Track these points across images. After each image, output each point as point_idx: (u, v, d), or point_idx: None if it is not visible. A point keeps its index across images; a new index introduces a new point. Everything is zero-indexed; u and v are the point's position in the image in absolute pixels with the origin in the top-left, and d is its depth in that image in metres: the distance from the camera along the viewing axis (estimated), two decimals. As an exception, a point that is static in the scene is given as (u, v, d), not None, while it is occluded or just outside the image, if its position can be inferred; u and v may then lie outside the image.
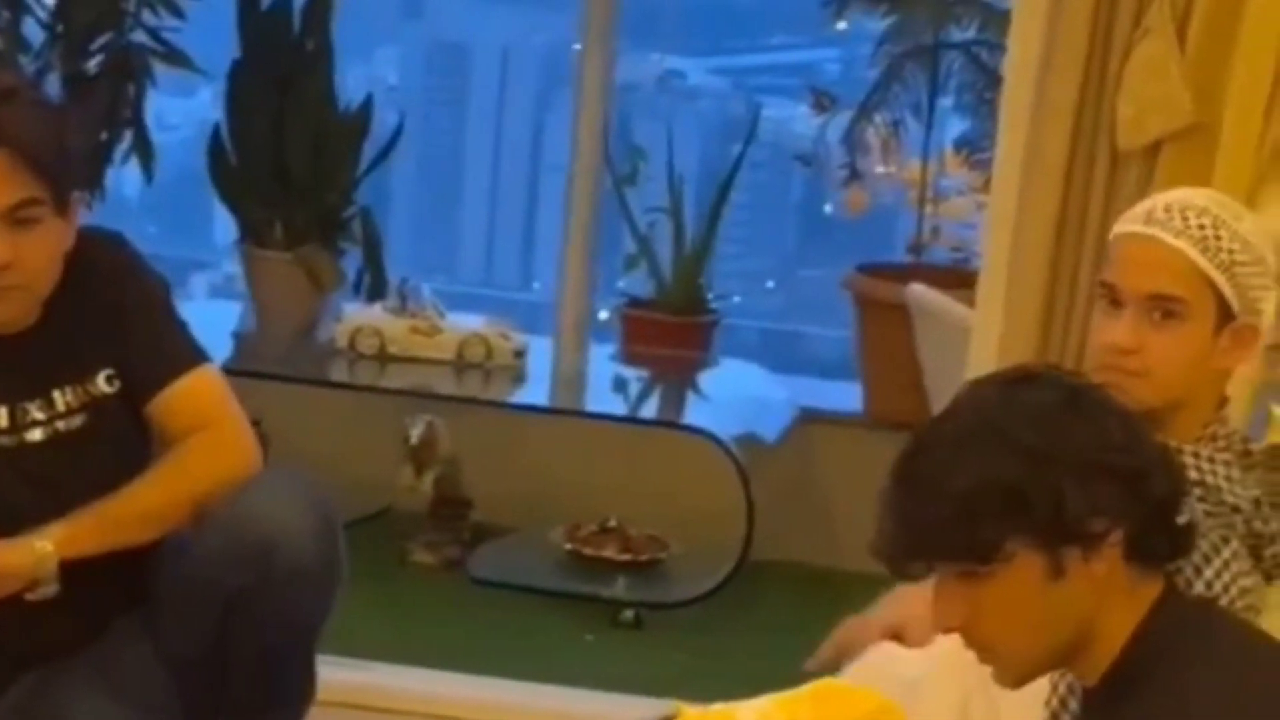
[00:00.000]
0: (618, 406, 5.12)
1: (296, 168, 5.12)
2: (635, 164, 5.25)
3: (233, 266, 5.41)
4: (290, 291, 5.14)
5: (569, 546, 4.71)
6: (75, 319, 2.92)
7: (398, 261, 5.63)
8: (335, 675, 3.26)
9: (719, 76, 7.19)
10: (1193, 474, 2.60)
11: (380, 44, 7.18)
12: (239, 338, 5.17)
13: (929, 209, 5.21)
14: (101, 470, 2.88)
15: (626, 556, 4.69)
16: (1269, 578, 2.68)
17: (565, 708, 3.92)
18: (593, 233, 5.30)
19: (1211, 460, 2.65)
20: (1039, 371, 2.26)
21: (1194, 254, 2.63)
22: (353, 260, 5.20)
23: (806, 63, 6.60)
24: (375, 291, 5.13)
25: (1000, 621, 2.15)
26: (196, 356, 2.99)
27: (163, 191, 5.55)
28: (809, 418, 5.00)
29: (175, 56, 4.96)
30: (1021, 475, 2.08)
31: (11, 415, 2.90)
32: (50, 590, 2.81)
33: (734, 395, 5.14)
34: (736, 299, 5.78)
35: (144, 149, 4.94)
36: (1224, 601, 2.54)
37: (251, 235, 5.22)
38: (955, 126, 5.29)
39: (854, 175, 5.25)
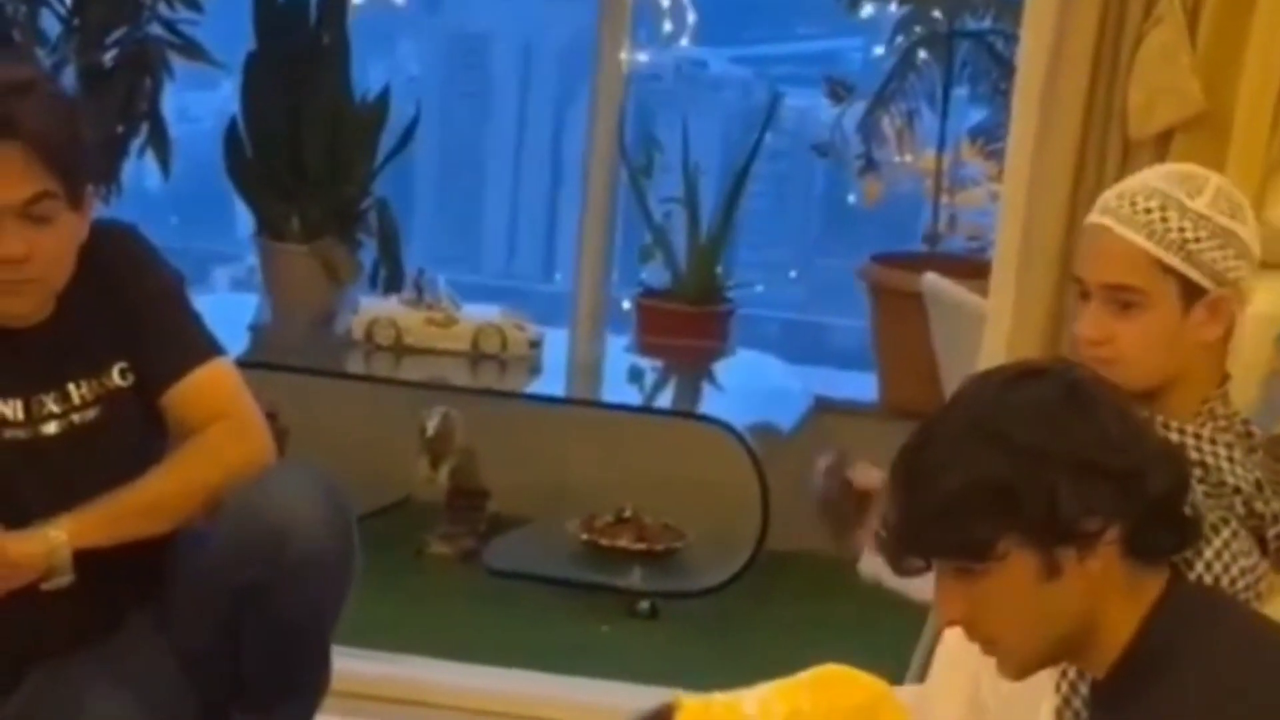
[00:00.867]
0: (633, 397, 5.13)
1: (312, 161, 5.14)
2: (651, 154, 5.26)
3: (254, 259, 5.43)
4: (307, 284, 5.17)
5: (585, 537, 4.72)
6: (89, 312, 2.93)
7: (420, 254, 5.65)
8: (352, 666, 3.27)
9: (741, 66, 7.19)
10: (1193, 454, 2.61)
11: (402, 36, 7.19)
12: (256, 330, 5.19)
13: (945, 198, 5.22)
14: (115, 463, 2.88)
15: (642, 546, 4.71)
16: (1278, 564, 2.68)
17: (581, 698, 3.94)
18: (609, 224, 5.32)
19: (1213, 441, 2.66)
20: (1041, 366, 2.24)
21: (1141, 241, 2.63)
22: (370, 252, 5.22)
23: (830, 51, 6.60)
24: (392, 283, 5.15)
25: (998, 617, 2.15)
26: (211, 349, 3.00)
27: (185, 184, 5.56)
28: (825, 408, 5.01)
29: (191, 49, 4.97)
30: (1013, 475, 2.08)
31: (27, 408, 2.91)
32: (65, 580, 2.81)
33: (750, 385, 5.14)
34: (759, 288, 5.78)
35: (160, 143, 4.95)
36: (1224, 582, 2.54)
37: (268, 228, 5.24)
38: (971, 116, 5.29)
39: (870, 165, 5.25)
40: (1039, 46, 3.57)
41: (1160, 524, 2.14)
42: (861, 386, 5.11)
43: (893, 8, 5.22)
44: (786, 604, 4.57)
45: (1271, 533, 2.65)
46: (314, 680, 3.04)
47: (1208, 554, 2.55)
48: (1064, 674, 2.50)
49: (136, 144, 4.95)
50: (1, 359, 2.89)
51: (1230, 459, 2.65)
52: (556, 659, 4.15)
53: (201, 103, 6.18)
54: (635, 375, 5.25)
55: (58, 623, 2.89)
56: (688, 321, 5.20)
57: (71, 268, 2.90)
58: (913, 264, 4.88)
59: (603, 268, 5.34)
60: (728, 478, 4.58)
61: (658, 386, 5.35)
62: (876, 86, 5.19)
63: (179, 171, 5.13)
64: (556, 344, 5.10)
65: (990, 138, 5.07)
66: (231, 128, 5.20)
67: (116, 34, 4.91)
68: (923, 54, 5.13)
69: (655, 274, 5.30)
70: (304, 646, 2.97)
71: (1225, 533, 2.58)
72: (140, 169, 5.14)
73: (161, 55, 4.93)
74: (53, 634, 2.91)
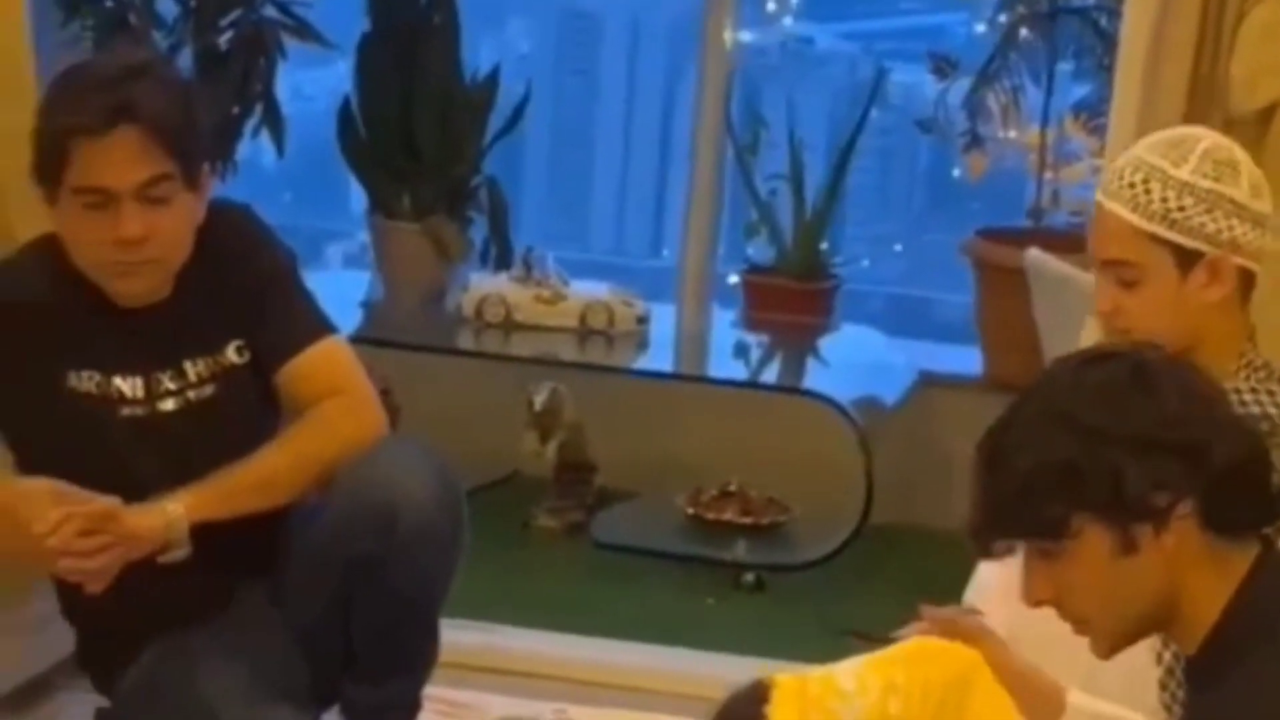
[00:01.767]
0: (739, 372, 5.14)
1: (424, 139, 5.19)
2: (757, 131, 5.29)
3: (366, 236, 5.49)
4: (418, 261, 5.22)
5: (691, 510, 4.75)
6: (206, 291, 2.97)
7: (530, 231, 5.69)
8: (460, 638, 3.32)
9: (846, 42, 7.19)
10: (1254, 409, 2.60)
11: (511, 14, 7.23)
12: (368, 307, 5.24)
13: (1049, 174, 5.22)
14: (230, 440, 2.92)
15: (748, 520, 4.73)
16: None
17: (687, 670, 3.94)
18: (715, 201, 5.35)
19: (1255, 391, 2.64)
20: (1114, 349, 2.28)
21: (1127, 214, 2.64)
22: (480, 230, 5.27)
23: (933, 27, 6.59)
24: (501, 261, 5.18)
25: (1081, 596, 2.18)
26: (324, 327, 3.04)
27: (298, 162, 5.62)
28: (928, 382, 5.03)
29: (304, 30, 5.02)
30: (1079, 454, 2.11)
31: (146, 385, 2.96)
32: (182, 553, 2.85)
33: (854, 360, 5.16)
34: (865, 263, 5.80)
35: (274, 122, 5.01)
36: None
37: (381, 206, 5.30)
38: (1075, 92, 5.29)
39: (975, 141, 5.26)
40: (1142, 22, 3.57)
41: (1236, 496, 2.15)
42: (965, 361, 5.12)
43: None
44: (891, 576, 4.57)
45: None
46: (423, 652, 3.08)
47: None
48: (1166, 644, 2.51)
49: (251, 124, 5.01)
50: (120, 338, 2.94)
51: (1278, 404, 2.65)
52: (662, 631, 4.17)
53: (315, 81, 6.23)
54: (741, 350, 5.28)
55: (174, 596, 2.92)
56: (793, 297, 5.22)
57: (189, 248, 2.95)
58: (1016, 239, 4.89)
59: (709, 244, 5.37)
60: (832, 452, 4.60)
61: (763, 361, 5.38)
62: (979, 62, 5.19)
63: (293, 150, 5.15)
64: (663, 319, 5.14)
65: (1094, 113, 5.05)
66: (345, 107, 5.26)
67: (231, 16, 4.96)
68: (1024, 31, 5.13)
69: (761, 250, 5.33)
70: (414, 619, 3.01)
71: None
72: (255, 148, 5.19)
73: (275, 37, 4.98)
74: (169, 607, 2.95)
